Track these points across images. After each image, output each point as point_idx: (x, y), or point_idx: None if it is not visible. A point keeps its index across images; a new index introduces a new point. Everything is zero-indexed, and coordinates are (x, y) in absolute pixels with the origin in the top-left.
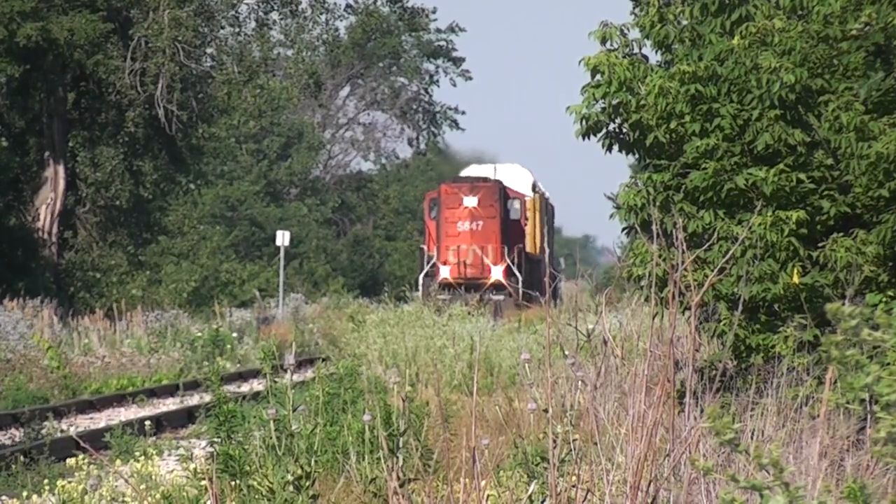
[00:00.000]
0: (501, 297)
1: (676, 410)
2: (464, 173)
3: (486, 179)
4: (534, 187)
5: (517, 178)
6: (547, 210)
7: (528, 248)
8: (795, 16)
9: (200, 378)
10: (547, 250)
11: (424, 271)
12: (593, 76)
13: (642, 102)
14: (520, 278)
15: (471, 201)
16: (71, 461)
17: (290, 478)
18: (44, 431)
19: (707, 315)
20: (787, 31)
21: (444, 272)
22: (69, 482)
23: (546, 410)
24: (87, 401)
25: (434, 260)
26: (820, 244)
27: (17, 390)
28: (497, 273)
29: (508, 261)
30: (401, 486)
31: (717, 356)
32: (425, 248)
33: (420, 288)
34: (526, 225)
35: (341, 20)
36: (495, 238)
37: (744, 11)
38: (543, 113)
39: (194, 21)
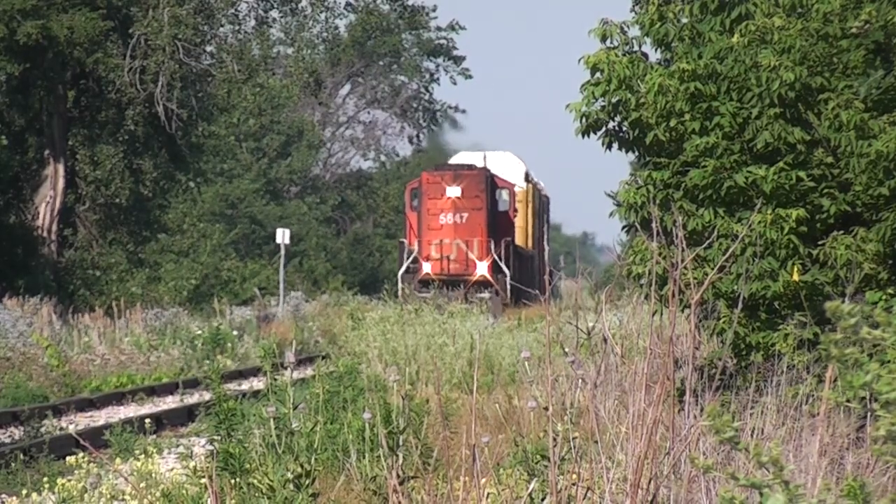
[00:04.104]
0: (487, 295)
1: (676, 409)
2: (452, 161)
3: (471, 167)
4: (527, 177)
5: (509, 168)
6: (541, 202)
7: (519, 242)
8: (795, 14)
9: (200, 376)
10: (547, 248)
11: (405, 267)
12: (593, 74)
13: (642, 100)
14: (508, 274)
15: (454, 191)
16: (70, 459)
17: (290, 476)
18: (43, 429)
19: (707, 313)
20: (786, 30)
21: (426, 268)
22: (69, 480)
23: (546, 408)
24: (86, 399)
25: (415, 254)
26: (820, 242)
27: (17, 388)
28: (482, 269)
29: (495, 255)
30: (401, 483)
31: (717, 354)
32: (406, 241)
33: (399, 285)
34: (516, 217)
35: (341, 18)
36: (481, 231)
37: (743, 9)
38: (543, 110)
39: (194, 19)
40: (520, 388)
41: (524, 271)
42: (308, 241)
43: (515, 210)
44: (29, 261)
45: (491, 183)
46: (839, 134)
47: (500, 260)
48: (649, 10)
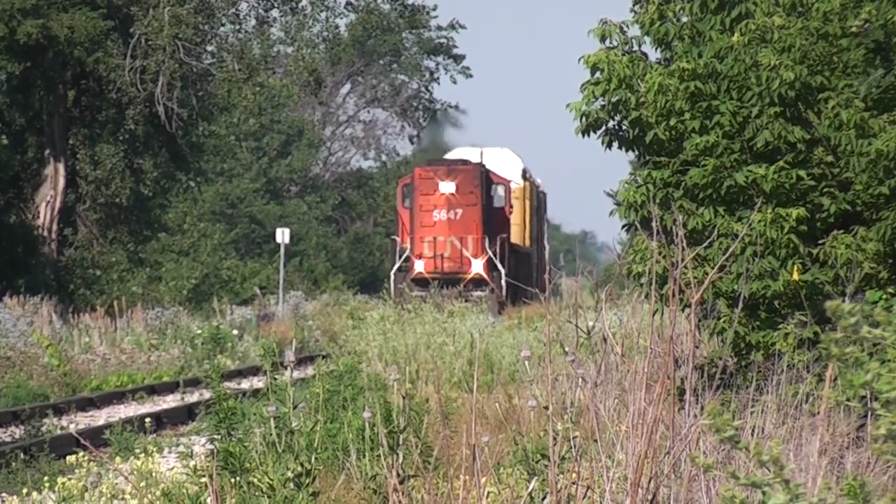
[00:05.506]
0: (483, 294)
1: (676, 408)
2: (447, 157)
3: (465, 162)
4: (524, 174)
5: (505, 164)
6: (538, 199)
7: (515, 240)
8: (795, 13)
9: (201, 375)
10: (547, 247)
11: (397, 266)
12: (593, 73)
13: (642, 100)
14: (503, 272)
15: (448, 187)
16: (71, 458)
17: (290, 475)
18: (44, 429)
19: (707, 312)
20: (786, 29)
21: (419, 266)
22: (69, 479)
23: (546, 407)
24: (87, 398)
25: (407, 253)
26: (820, 241)
27: (18, 388)
28: (477, 266)
29: (490, 253)
30: (401, 482)
31: (717, 353)
32: (398, 239)
33: (392, 284)
34: (511, 214)
35: (342, 17)
36: (476, 228)
37: (743, 9)
38: (542, 110)
39: (194, 18)
40: (520, 388)
41: (521, 269)
42: (308, 241)
43: (511, 207)
44: (29, 260)
45: (486, 179)
46: (839, 133)
47: (496, 257)
48: (649, 9)
